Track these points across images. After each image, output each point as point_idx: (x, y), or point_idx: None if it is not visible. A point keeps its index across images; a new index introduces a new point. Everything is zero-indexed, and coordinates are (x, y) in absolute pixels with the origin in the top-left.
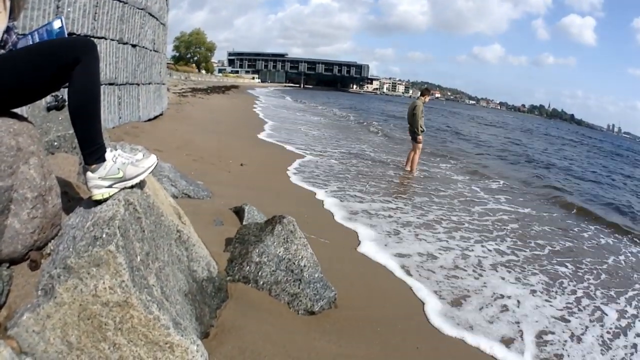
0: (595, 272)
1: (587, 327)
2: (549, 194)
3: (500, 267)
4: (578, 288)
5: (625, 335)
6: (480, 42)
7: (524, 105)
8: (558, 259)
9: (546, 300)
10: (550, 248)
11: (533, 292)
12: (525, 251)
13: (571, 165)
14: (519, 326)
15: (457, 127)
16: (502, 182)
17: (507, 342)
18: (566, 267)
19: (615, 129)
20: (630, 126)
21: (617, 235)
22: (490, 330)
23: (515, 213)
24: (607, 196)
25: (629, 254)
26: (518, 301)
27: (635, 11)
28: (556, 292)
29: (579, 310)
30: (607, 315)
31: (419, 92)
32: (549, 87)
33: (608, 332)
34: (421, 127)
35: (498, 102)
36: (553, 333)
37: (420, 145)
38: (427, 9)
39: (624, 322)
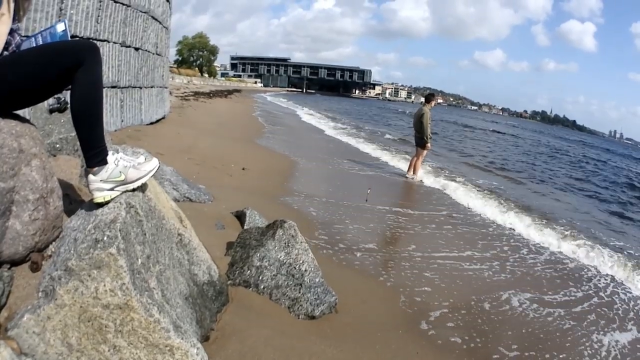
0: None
1: None
2: None
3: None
4: None
5: None
6: (481, 48)
7: (526, 111)
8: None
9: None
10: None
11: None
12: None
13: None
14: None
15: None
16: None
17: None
18: None
19: (617, 135)
20: (632, 133)
21: None
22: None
23: None
24: None
25: None
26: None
27: (634, 16)
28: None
29: None
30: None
31: (424, 99)
32: (551, 93)
33: None
34: (429, 134)
35: (500, 107)
36: None
37: (425, 152)
38: (428, 15)
39: None
